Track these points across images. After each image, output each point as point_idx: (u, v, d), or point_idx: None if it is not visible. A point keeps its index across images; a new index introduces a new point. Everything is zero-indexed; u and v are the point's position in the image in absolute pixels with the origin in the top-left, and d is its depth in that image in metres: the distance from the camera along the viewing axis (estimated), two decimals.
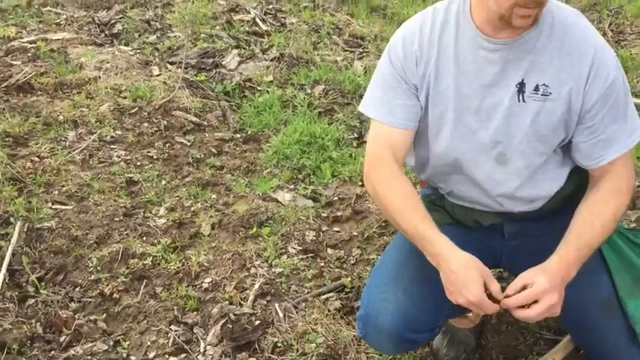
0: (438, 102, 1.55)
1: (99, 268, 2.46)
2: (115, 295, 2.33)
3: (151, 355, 2.09)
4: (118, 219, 2.75)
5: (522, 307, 1.41)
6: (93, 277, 2.42)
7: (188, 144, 3.40)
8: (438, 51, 1.53)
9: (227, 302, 2.27)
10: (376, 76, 1.64)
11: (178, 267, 2.47)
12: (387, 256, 1.72)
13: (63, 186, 2.92)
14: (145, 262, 2.48)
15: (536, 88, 1.48)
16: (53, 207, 2.78)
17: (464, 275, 1.42)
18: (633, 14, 4.49)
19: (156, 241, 2.62)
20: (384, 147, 1.59)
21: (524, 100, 1.49)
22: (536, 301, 1.39)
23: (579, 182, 1.65)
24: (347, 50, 4.70)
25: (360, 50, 4.74)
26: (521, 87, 1.49)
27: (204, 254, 2.53)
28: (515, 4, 1.36)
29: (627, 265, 1.64)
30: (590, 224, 1.48)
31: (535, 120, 1.50)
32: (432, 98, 1.55)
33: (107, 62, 3.99)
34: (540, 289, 1.39)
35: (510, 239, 1.68)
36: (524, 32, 1.46)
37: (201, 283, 2.39)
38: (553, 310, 1.40)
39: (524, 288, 1.41)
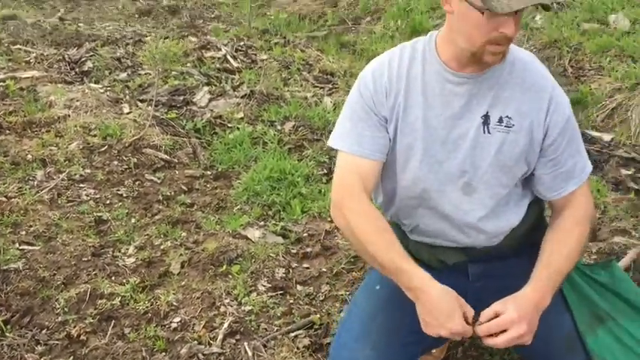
0: (406, 133, 1.60)
1: (66, 309, 2.44)
2: (82, 337, 2.30)
3: None
4: (86, 259, 2.73)
5: (492, 334, 1.46)
6: (60, 318, 2.40)
7: (158, 181, 3.41)
8: (407, 84, 1.59)
9: (196, 342, 2.27)
10: (345, 109, 1.69)
11: (147, 307, 2.46)
12: (356, 308, 1.73)
13: (30, 226, 2.90)
14: (114, 303, 2.47)
15: (500, 120, 1.56)
16: (20, 248, 2.75)
17: (445, 306, 1.46)
18: (592, 51, 4.66)
19: (124, 281, 2.60)
20: (354, 176, 1.60)
21: (489, 132, 1.56)
22: (505, 330, 1.44)
23: (536, 219, 1.71)
24: (317, 86, 4.78)
25: (330, 86, 4.82)
26: (485, 119, 1.56)
27: (174, 293, 2.53)
28: (487, 42, 1.45)
29: (585, 300, 1.69)
30: (557, 252, 1.55)
31: (499, 150, 1.57)
32: (401, 129, 1.61)
33: (77, 100, 4.00)
34: (508, 319, 1.44)
35: (475, 280, 1.72)
36: (488, 68, 1.53)
37: (170, 322, 2.38)
38: (521, 339, 1.45)
39: (496, 316, 1.46)
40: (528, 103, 1.57)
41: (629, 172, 3.63)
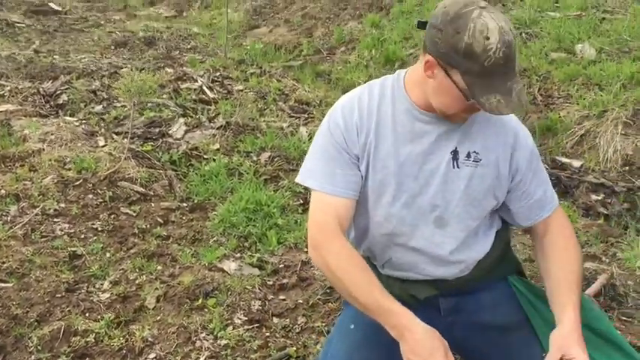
0: (378, 169, 1.62)
1: (39, 347, 2.41)
2: None
3: None
4: (59, 295, 2.71)
5: None
6: (33, 357, 2.36)
7: (134, 214, 3.40)
8: (377, 121, 1.62)
9: None
10: (315, 148, 1.67)
11: (122, 343, 2.44)
12: (331, 348, 1.71)
13: (4, 262, 2.87)
14: (88, 340, 2.44)
15: (468, 155, 1.61)
16: None
17: (430, 344, 1.47)
18: (560, 79, 4.78)
19: (99, 317, 2.58)
20: (331, 217, 1.60)
21: (458, 167, 1.61)
22: None
23: (502, 250, 1.75)
24: (292, 116, 4.83)
25: (306, 116, 4.87)
26: (454, 154, 1.60)
27: (149, 328, 2.51)
28: (462, 111, 1.51)
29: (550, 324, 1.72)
30: (570, 272, 1.61)
31: (468, 185, 1.61)
32: (373, 166, 1.62)
33: (52, 134, 3.99)
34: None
35: (446, 315, 1.73)
36: None
37: (145, 359, 2.36)
38: None
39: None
40: (494, 138, 1.62)
41: (599, 198, 3.72)
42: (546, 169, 3.96)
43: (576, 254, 1.65)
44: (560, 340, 1.50)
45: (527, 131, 1.68)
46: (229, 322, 2.56)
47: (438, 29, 1.44)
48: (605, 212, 3.57)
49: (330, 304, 2.68)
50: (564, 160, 4.13)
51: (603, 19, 5.57)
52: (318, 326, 2.54)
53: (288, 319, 2.61)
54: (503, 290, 1.69)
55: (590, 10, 5.75)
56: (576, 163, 4.09)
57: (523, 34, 5.53)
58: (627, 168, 3.95)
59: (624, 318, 2.61)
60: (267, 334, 2.51)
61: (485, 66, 1.39)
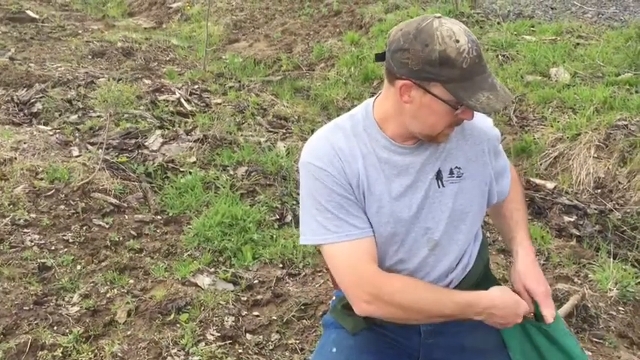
0: (374, 209, 1.59)
1: None
2: None
3: None
4: (27, 307, 2.64)
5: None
6: None
7: (106, 226, 3.35)
8: (364, 164, 1.58)
9: None
10: (312, 203, 1.56)
11: (90, 358, 2.38)
12: None
13: None
14: (55, 354, 2.39)
15: (451, 172, 1.61)
16: None
17: (509, 299, 1.59)
18: (535, 101, 4.86)
19: (67, 331, 2.53)
20: (364, 260, 1.54)
21: (443, 185, 1.61)
22: None
23: (482, 272, 1.76)
24: (270, 131, 4.81)
25: (284, 131, 4.86)
26: (438, 174, 1.61)
27: (119, 343, 2.46)
28: (446, 127, 1.50)
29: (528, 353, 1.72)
30: (515, 210, 1.76)
31: (455, 201, 1.62)
32: (369, 206, 1.58)
33: (24, 142, 3.92)
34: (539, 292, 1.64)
35: (427, 337, 1.72)
36: None
37: None
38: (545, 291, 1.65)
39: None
40: (472, 149, 1.64)
41: (572, 219, 3.77)
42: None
43: (517, 190, 1.79)
44: (518, 277, 1.66)
45: (489, 121, 1.72)
46: (202, 337, 2.52)
47: (403, 50, 1.43)
48: (578, 234, 3.62)
49: (304, 320, 2.66)
50: (538, 181, 4.18)
51: (577, 44, 5.70)
52: (292, 343, 2.52)
53: (261, 336, 2.58)
54: None
55: (564, 35, 5.88)
56: (550, 185, 4.14)
57: (500, 57, 5.63)
58: (599, 190, 4.01)
59: (595, 339, 2.63)
60: (240, 350, 2.48)
61: (465, 68, 1.40)
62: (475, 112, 1.52)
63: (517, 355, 1.65)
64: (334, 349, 1.69)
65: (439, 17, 1.44)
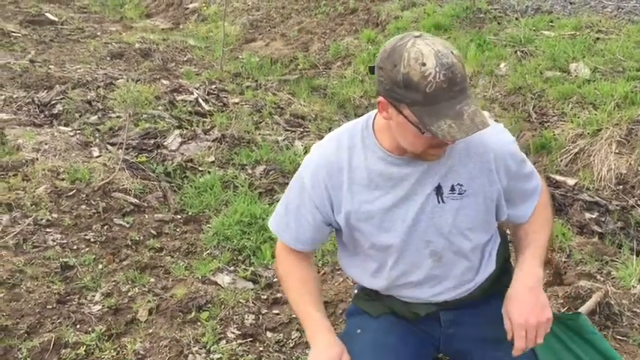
0: (362, 220, 1.62)
1: (29, 359, 2.37)
2: None
3: None
4: (50, 306, 2.67)
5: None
6: None
7: (127, 226, 3.38)
8: (350, 176, 1.60)
9: None
10: (287, 195, 1.73)
11: (113, 356, 2.41)
12: None
13: None
14: (78, 352, 2.41)
15: (452, 189, 1.59)
16: None
17: (325, 356, 1.58)
18: (555, 97, 4.81)
19: (90, 329, 2.55)
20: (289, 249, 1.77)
21: (443, 201, 1.59)
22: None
23: (502, 266, 1.75)
24: (288, 130, 4.82)
25: (301, 130, 4.87)
26: (438, 190, 1.59)
27: (140, 341, 2.48)
28: (428, 147, 1.48)
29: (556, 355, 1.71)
30: (532, 232, 1.68)
31: (456, 217, 1.61)
32: (356, 219, 1.63)
33: (46, 143, 3.97)
34: (512, 324, 1.55)
35: (447, 327, 1.74)
36: None
37: None
38: (535, 320, 1.53)
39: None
40: (477, 166, 1.59)
41: (593, 216, 3.72)
42: None
43: (543, 214, 1.70)
44: (505, 302, 1.59)
45: (504, 137, 1.63)
46: (222, 335, 2.54)
47: (379, 68, 1.44)
48: (600, 230, 3.57)
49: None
50: (558, 178, 4.14)
51: (597, 39, 5.62)
52: None
53: (281, 334, 2.58)
54: (502, 303, 1.68)
55: (584, 30, 5.81)
56: (570, 182, 4.10)
57: (518, 52, 5.57)
58: (621, 187, 3.96)
59: (619, 337, 2.60)
60: (261, 348, 2.48)
61: (428, 92, 1.36)
62: (488, 126, 1.45)
63: (541, 348, 1.64)
64: (359, 331, 1.73)
65: (418, 36, 1.40)
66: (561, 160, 4.30)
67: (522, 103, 4.91)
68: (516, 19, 6.29)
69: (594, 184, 4.02)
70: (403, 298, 1.73)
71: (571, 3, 6.77)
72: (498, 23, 6.26)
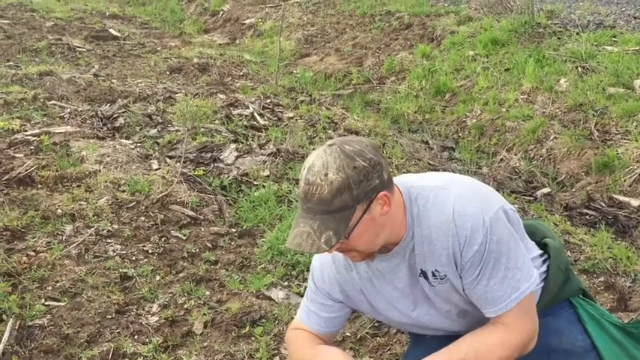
0: (380, 306, 1.69)
1: None
2: None
3: None
4: (110, 316, 2.74)
5: None
6: None
7: (184, 238, 3.44)
8: (358, 272, 1.67)
9: None
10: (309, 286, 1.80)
11: None
12: None
13: (57, 281, 2.93)
14: None
15: (433, 274, 1.60)
16: (46, 303, 2.78)
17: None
18: (618, 115, 4.66)
19: (147, 340, 2.60)
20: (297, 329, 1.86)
21: (433, 285, 1.61)
22: None
23: (562, 276, 1.72)
24: None
25: None
26: (424, 275, 1.60)
27: (196, 354, 2.51)
28: (340, 251, 1.56)
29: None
30: (463, 342, 1.56)
31: (450, 297, 1.62)
32: (372, 310, 1.72)
33: (108, 156, 4.09)
34: None
35: None
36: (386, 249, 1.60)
37: None
38: None
39: None
40: (441, 251, 1.55)
41: None
42: (602, 207, 3.87)
43: (494, 340, 1.53)
44: None
45: (473, 220, 1.50)
46: (276, 352, 2.54)
47: None
48: None
49: (378, 338, 2.63)
50: (622, 198, 4.00)
51: None
52: None
53: None
54: (569, 316, 1.69)
55: None
56: (635, 202, 3.95)
57: (579, 68, 5.43)
58: None
59: None
60: None
61: (300, 201, 1.46)
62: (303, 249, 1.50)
63: (608, 354, 1.59)
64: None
65: (330, 145, 1.47)
66: (625, 180, 4.15)
67: (583, 121, 4.77)
68: (577, 34, 6.14)
69: None
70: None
71: (635, 18, 6.57)
72: (558, 38, 6.12)
